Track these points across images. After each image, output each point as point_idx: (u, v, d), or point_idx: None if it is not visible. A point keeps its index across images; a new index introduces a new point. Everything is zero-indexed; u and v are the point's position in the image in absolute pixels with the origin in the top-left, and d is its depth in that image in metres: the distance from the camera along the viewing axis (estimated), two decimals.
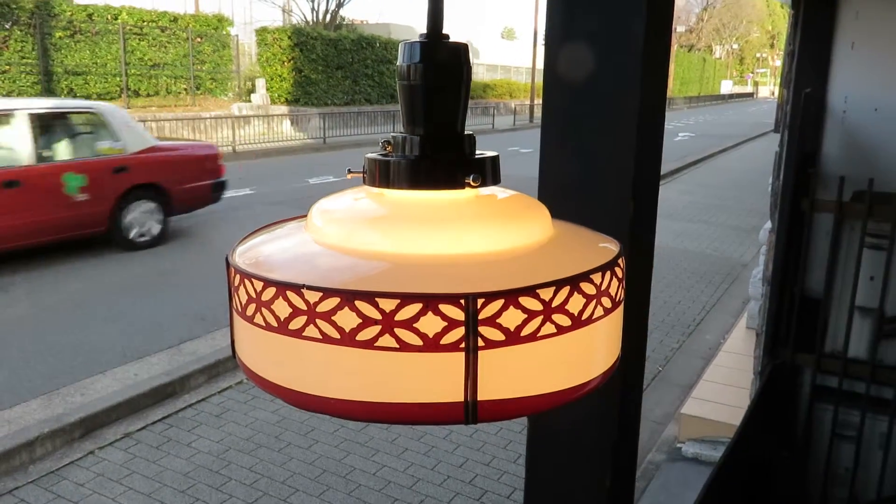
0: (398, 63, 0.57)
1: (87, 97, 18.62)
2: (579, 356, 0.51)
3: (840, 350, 2.98)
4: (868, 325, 2.97)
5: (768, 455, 3.15)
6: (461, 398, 0.46)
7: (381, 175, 0.56)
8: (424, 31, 0.56)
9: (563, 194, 1.12)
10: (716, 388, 4.74)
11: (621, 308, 0.55)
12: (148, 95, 20.29)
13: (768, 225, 4.09)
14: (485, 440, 4.56)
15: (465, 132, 0.58)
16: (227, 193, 12.70)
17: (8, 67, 17.01)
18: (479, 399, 0.46)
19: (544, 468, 1.24)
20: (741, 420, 2.87)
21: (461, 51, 0.57)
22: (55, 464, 4.26)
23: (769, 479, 3.15)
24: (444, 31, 0.56)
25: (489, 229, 0.53)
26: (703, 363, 5.75)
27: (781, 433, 3.19)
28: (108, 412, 4.72)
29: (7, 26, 16.92)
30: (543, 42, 1.15)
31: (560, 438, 1.23)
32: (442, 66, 0.57)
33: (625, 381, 1.13)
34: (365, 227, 0.54)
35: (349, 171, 0.61)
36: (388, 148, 0.58)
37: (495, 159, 0.58)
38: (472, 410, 0.46)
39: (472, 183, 0.54)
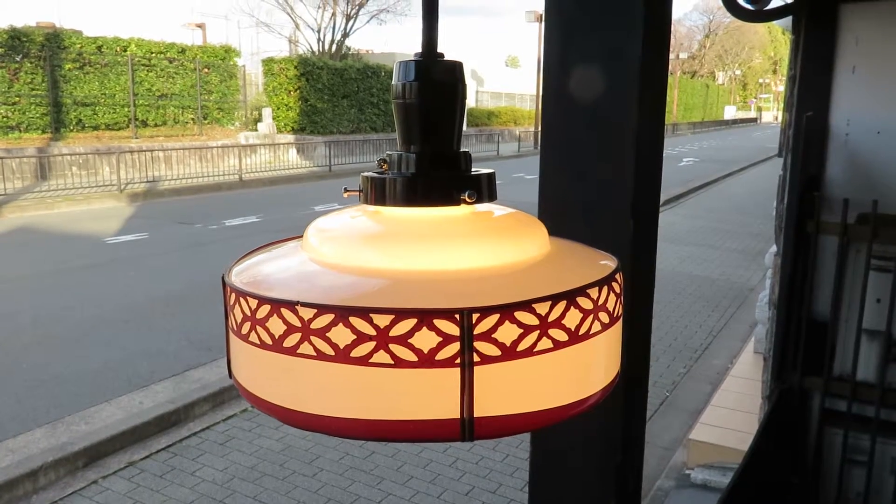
0: (393, 81, 0.58)
1: (96, 128, 18.85)
2: (577, 372, 0.50)
3: (849, 373, 2.95)
4: (876, 348, 2.94)
5: (778, 480, 3.11)
6: (457, 415, 0.45)
7: (378, 193, 0.56)
8: (420, 49, 0.57)
9: (562, 215, 1.12)
10: (724, 414, 4.69)
11: (620, 324, 0.55)
12: (156, 125, 20.49)
13: (774, 249, 4.08)
14: (491, 467, 4.52)
15: (461, 150, 0.59)
16: (235, 221, 12.79)
17: (18, 99, 17.22)
18: (475, 415, 0.46)
19: (548, 491, 1.22)
20: (750, 445, 2.83)
21: (456, 69, 0.57)
22: (59, 493, 4.23)
23: None
24: (439, 50, 0.57)
25: (485, 245, 0.53)
26: (710, 388, 5.70)
27: (791, 458, 3.14)
28: (112, 441, 4.70)
29: (18, 58, 17.16)
30: (542, 67, 1.16)
31: (564, 462, 1.21)
32: (437, 83, 0.57)
33: (628, 402, 1.12)
34: (361, 245, 0.54)
35: (345, 190, 0.61)
36: (384, 166, 0.58)
37: (491, 176, 0.58)
38: (468, 427, 0.46)
39: (467, 199, 0.54)
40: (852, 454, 3.00)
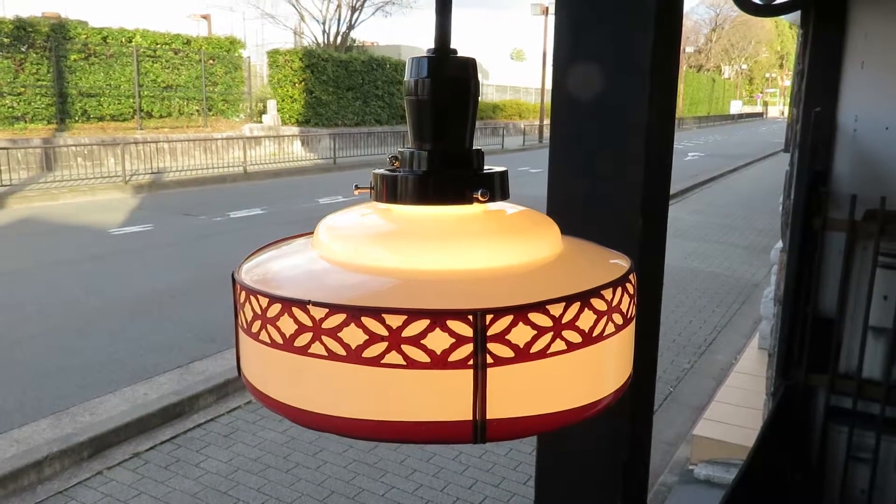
0: (406, 78, 0.57)
1: (101, 119, 18.87)
2: (590, 374, 0.50)
3: (854, 371, 2.94)
4: (882, 346, 2.93)
5: (782, 477, 3.10)
6: (470, 416, 0.45)
7: (389, 191, 0.55)
8: (432, 45, 0.56)
9: (571, 212, 1.11)
10: (728, 410, 4.69)
11: (633, 325, 0.54)
12: (161, 117, 20.50)
13: (779, 244, 4.06)
14: (494, 461, 4.52)
15: (474, 147, 0.58)
16: (239, 213, 12.80)
17: (23, 90, 17.24)
18: (487, 418, 0.45)
19: (554, 490, 1.22)
20: (754, 442, 2.83)
21: (469, 65, 0.57)
22: (63, 484, 4.24)
23: (784, 502, 3.10)
24: (452, 46, 0.56)
25: (497, 245, 0.52)
26: (714, 384, 5.70)
27: (795, 455, 3.14)
28: (116, 432, 4.72)
29: (23, 49, 17.17)
30: (552, 61, 1.15)
31: (570, 460, 1.21)
32: (450, 80, 0.56)
33: (635, 402, 1.11)
34: (372, 243, 0.53)
35: (356, 187, 0.61)
36: (396, 163, 0.57)
37: (503, 174, 0.57)
38: (480, 429, 0.45)
39: (479, 198, 0.53)
40: (857, 451, 3.00)
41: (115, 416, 4.85)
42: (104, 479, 4.30)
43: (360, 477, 4.33)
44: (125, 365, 5.74)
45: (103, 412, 4.91)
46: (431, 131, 0.56)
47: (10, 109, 17.07)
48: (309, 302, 0.45)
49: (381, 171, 0.56)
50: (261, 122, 23.08)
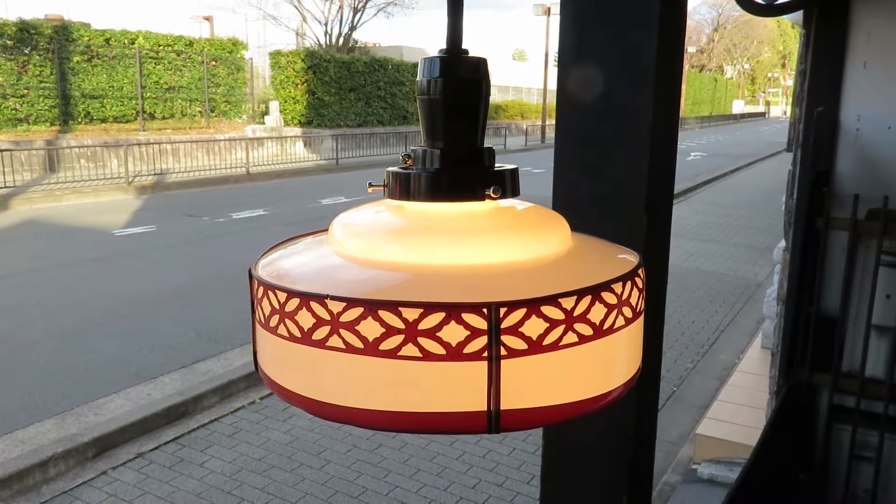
0: (418, 78, 0.58)
1: (104, 120, 18.90)
2: (601, 366, 0.51)
3: (857, 370, 2.95)
4: (885, 344, 2.94)
5: (786, 477, 3.11)
6: (484, 407, 0.46)
7: (402, 188, 0.57)
8: (444, 46, 0.57)
9: (576, 211, 1.12)
10: (731, 409, 4.69)
11: (642, 319, 0.55)
12: (163, 118, 20.53)
13: (782, 244, 4.07)
14: (497, 461, 4.53)
15: (485, 145, 0.59)
16: (242, 214, 12.82)
17: (27, 91, 17.27)
18: (502, 408, 0.46)
19: (560, 488, 1.23)
20: (757, 441, 2.83)
21: (480, 65, 0.58)
22: (68, 484, 4.26)
23: (787, 501, 3.10)
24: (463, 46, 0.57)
25: (509, 240, 0.53)
26: (717, 383, 5.70)
27: (799, 454, 3.15)
28: (121, 432, 4.73)
29: (26, 51, 17.20)
30: (556, 61, 1.16)
31: (575, 457, 1.22)
32: (462, 80, 0.57)
33: (640, 399, 1.12)
34: (386, 239, 0.54)
35: (370, 185, 0.62)
36: (409, 161, 0.59)
37: (514, 172, 0.59)
38: (494, 419, 0.46)
39: (491, 195, 0.55)
40: (860, 450, 3.00)
41: (120, 417, 4.86)
42: (109, 479, 4.31)
43: (364, 476, 4.34)
44: (129, 365, 5.75)
45: (107, 412, 4.93)
46: (444, 130, 0.58)
47: (14, 111, 17.11)
48: (327, 296, 0.47)
49: (395, 168, 0.58)
50: (263, 123, 23.11)
